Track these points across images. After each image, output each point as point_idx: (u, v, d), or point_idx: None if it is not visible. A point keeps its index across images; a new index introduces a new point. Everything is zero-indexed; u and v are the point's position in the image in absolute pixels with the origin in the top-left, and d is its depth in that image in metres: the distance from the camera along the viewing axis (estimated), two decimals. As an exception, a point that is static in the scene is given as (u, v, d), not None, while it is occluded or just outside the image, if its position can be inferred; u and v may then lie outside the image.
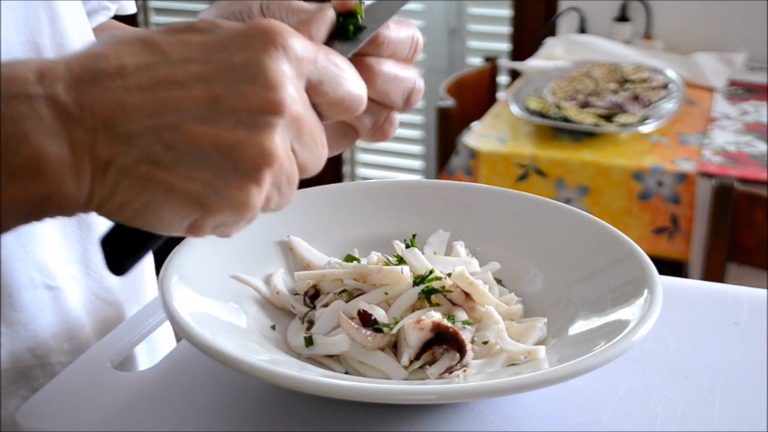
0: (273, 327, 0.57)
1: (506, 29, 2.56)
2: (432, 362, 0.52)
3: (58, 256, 0.58)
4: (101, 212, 0.39)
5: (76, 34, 0.58)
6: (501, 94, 2.27)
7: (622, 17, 2.32)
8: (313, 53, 0.40)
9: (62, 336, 0.58)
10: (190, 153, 0.37)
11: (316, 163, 0.42)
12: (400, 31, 0.49)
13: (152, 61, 0.38)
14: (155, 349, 0.68)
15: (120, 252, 0.41)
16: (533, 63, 2.17)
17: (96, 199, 0.38)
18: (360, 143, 2.91)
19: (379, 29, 0.47)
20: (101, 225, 0.61)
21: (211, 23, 0.40)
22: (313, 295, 0.59)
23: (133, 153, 0.37)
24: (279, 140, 0.38)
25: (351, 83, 0.43)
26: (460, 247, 0.63)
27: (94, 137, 0.37)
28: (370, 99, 0.46)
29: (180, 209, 0.39)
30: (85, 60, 0.38)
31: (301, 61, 0.39)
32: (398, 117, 0.50)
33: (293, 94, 0.39)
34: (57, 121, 0.36)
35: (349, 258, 0.61)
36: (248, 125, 0.38)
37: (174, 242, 0.58)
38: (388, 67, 0.48)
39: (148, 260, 0.69)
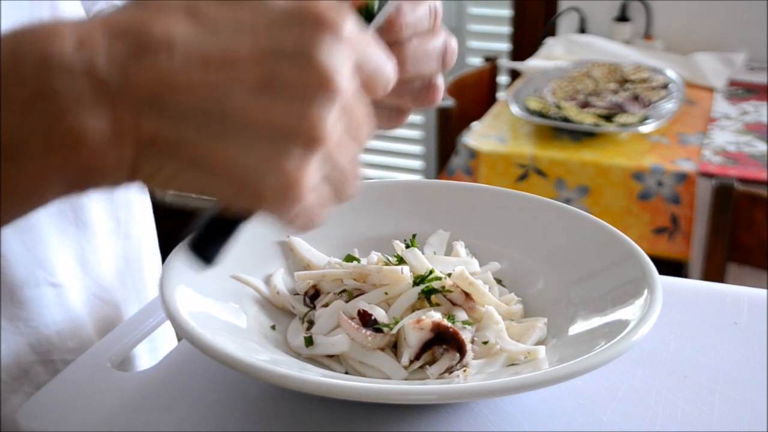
0: (273, 327, 0.57)
1: (506, 29, 2.56)
2: (432, 362, 0.52)
3: (58, 254, 0.58)
4: (148, 185, 0.38)
5: None
6: (501, 94, 2.27)
7: (622, 17, 2.32)
8: (357, 34, 0.39)
9: (65, 333, 0.58)
10: (239, 133, 0.36)
11: (359, 147, 0.41)
12: (416, 9, 0.48)
13: (201, 35, 0.36)
14: (156, 348, 0.68)
15: (208, 243, 0.41)
16: (533, 63, 2.17)
17: (141, 174, 0.37)
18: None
19: (395, 14, 0.47)
20: (96, 224, 0.61)
21: None
22: (313, 295, 0.59)
23: (179, 131, 0.35)
24: (331, 123, 0.37)
25: (382, 61, 0.41)
26: (460, 247, 0.63)
27: (137, 114, 0.35)
28: (406, 79, 0.46)
29: (225, 186, 0.37)
30: (126, 27, 0.35)
31: (350, 44, 0.38)
32: (441, 77, 0.50)
33: (347, 81, 0.37)
34: (96, 96, 0.34)
35: (349, 258, 0.61)
36: (301, 106, 0.36)
37: (174, 242, 0.58)
38: (413, 48, 0.47)
39: (151, 262, 0.69)
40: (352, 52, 0.38)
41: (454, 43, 0.49)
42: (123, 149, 0.35)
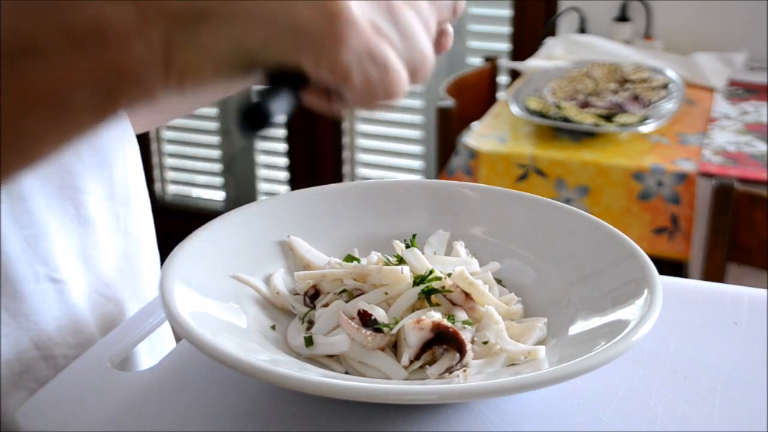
0: (273, 327, 0.57)
1: (506, 29, 2.56)
2: (432, 362, 0.52)
3: (60, 250, 0.58)
4: (186, 81, 0.35)
5: None
6: (501, 94, 2.27)
7: (622, 17, 2.32)
8: None
9: (67, 329, 0.58)
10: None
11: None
12: None
13: None
14: (155, 347, 0.68)
15: (262, 113, 0.37)
16: (533, 63, 2.17)
17: (176, 64, 0.34)
18: (360, 143, 2.89)
19: None
20: (97, 221, 0.61)
21: None
22: (313, 295, 0.59)
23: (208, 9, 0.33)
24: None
25: None
26: (460, 247, 0.63)
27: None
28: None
29: (271, 37, 0.35)
30: None
31: None
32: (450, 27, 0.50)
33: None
34: None
35: (349, 258, 0.61)
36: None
37: (174, 242, 0.58)
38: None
39: (149, 259, 0.69)
40: None
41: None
42: (151, 35, 0.33)
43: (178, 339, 0.71)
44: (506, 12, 2.55)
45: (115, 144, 0.63)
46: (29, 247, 0.55)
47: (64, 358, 0.58)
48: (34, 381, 0.56)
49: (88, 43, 0.32)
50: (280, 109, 0.38)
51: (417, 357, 0.51)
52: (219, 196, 3.04)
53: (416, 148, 2.78)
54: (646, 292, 0.53)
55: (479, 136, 1.80)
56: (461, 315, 0.55)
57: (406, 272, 0.56)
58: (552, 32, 2.43)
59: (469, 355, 0.52)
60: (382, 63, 0.37)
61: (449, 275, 0.56)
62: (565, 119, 1.73)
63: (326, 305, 0.57)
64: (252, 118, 0.37)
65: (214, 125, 2.94)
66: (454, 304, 0.55)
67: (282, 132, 2.83)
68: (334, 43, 0.35)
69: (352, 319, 0.54)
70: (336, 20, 0.34)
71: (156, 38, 0.33)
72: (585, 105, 1.81)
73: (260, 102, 0.37)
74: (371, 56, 0.37)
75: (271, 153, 2.91)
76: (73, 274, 0.59)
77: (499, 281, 0.62)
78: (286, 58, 0.36)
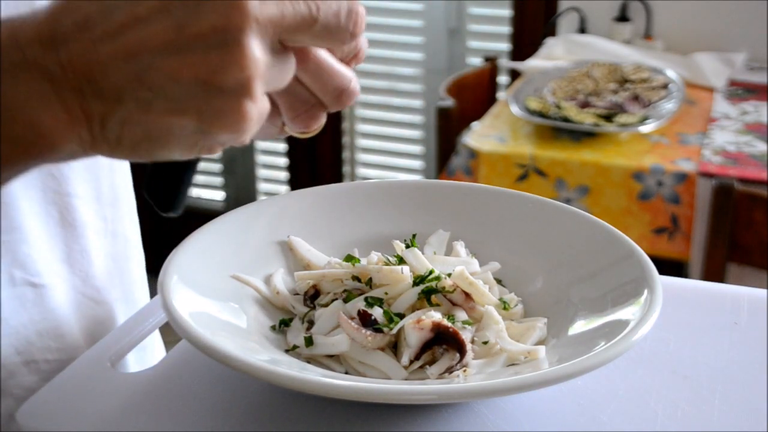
0: (273, 327, 0.57)
1: (506, 29, 2.56)
2: (432, 362, 0.52)
3: (43, 254, 0.57)
4: (112, 156, 0.40)
5: None
6: (501, 94, 2.27)
7: (622, 17, 2.32)
8: None
9: (48, 334, 0.58)
10: (174, 87, 0.37)
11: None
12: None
13: (112, 4, 0.38)
14: (145, 348, 0.68)
15: (164, 191, 0.42)
16: (533, 63, 2.17)
17: (102, 147, 0.39)
18: (360, 143, 2.89)
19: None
20: (84, 224, 0.61)
21: None
22: (313, 295, 0.59)
23: (124, 102, 0.37)
24: (255, 48, 0.38)
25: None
26: (460, 247, 0.63)
27: (82, 95, 0.37)
28: (299, 82, 0.45)
29: (184, 140, 0.39)
30: (51, 17, 0.38)
31: None
32: (324, 116, 0.48)
33: (257, 6, 0.38)
34: (46, 84, 0.37)
35: (349, 258, 0.61)
36: (219, 45, 0.37)
37: (173, 242, 0.58)
38: (323, 54, 0.46)
39: (137, 260, 0.69)
40: None
41: (357, 87, 0.47)
42: (80, 129, 0.38)
43: (167, 341, 0.71)
44: (506, 12, 2.55)
45: None
46: (7, 253, 0.55)
47: (46, 363, 0.57)
48: (19, 387, 0.56)
49: (28, 143, 0.38)
50: (182, 185, 0.42)
51: (417, 357, 0.51)
52: (219, 196, 3.04)
53: (416, 148, 2.78)
54: (646, 292, 0.53)
55: (479, 136, 1.80)
56: (461, 315, 0.55)
57: (406, 272, 0.56)
58: (552, 32, 2.43)
59: (469, 355, 0.52)
60: (254, 126, 0.40)
61: (449, 275, 0.56)
62: (565, 119, 1.73)
63: (326, 305, 0.57)
64: (157, 197, 0.42)
65: (214, 125, 2.94)
66: (454, 304, 0.55)
67: (282, 132, 2.83)
68: (244, 138, 0.40)
69: (352, 319, 0.54)
70: (243, 124, 0.39)
71: (83, 131, 0.38)
72: (585, 105, 1.81)
73: (160, 181, 0.42)
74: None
75: (271, 153, 2.91)
76: (55, 278, 0.58)
77: (499, 281, 0.62)
78: (202, 153, 0.41)
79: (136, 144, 0.39)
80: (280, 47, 0.40)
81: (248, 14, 0.37)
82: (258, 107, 0.39)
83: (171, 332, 0.53)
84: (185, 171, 0.42)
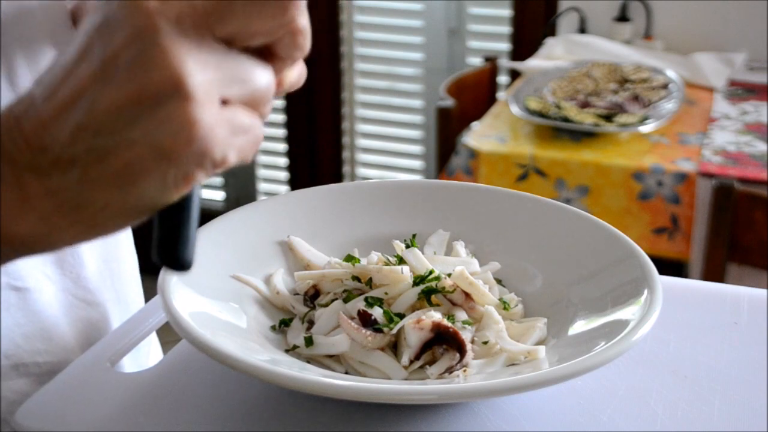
0: (273, 327, 0.57)
1: (506, 29, 2.56)
2: (432, 362, 0.52)
3: (29, 258, 0.57)
4: (92, 233, 0.39)
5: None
6: (501, 94, 2.27)
7: (622, 17, 2.32)
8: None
9: (35, 337, 0.57)
10: (118, 121, 0.36)
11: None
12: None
13: (50, 68, 0.37)
14: (139, 348, 0.67)
15: (173, 248, 0.39)
16: (533, 63, 2.17)
17: (70, 217, 0.38)
18: (360, 143, 2.89)
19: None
20: None
21: (99, 5, 0.37)
22: (313, 295, 0.59)
23: (78, 160, 0.36)
24: (174, 46, 0.35)
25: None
26: (460, 247, 0.63)
27: (39, 169, 0.36)
28: None
29: (152, 178, 0.37)
30: (22, 107, 0.37)
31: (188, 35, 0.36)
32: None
33: (199, 77, 0.36)
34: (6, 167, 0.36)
35: (349, 258, 0.61)
36: (138, 56, 0.35)
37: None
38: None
39: (129, 261, 0.69)
40: (195, 42, 0.36)
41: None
42: (40, 208, 0.37)
43: (166, 341, 0.71)
44: (506, 12, 2.55)
45: None
46: None
47: (37, 366, 0.57)
48: (9, 390, 0.56)
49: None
50: (185, 238, 0.39)
51: (417, 357, 0.51)
52: (219, 196, 3.04)
53: (416, 148, 2.78)
54: (646, 292, 0.53)
55: (479, 136, 1.80)
56: (461, 315, 0.55)
57: (406, 272, 0.56)
58: (552, 32, 2.43)
59: (469, 355, 0.52)
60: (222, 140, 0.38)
61: (449, 275, 0.56)
62: (565, 119, 1.73)
63: (326, 305, 0.57)
64: (168, 259, 0.39)
65: (214, 125, 2.94)
66: (454, 304, 0.55)
67: (282, 132, 2.83)
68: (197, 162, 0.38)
69: (352, 319, 0.54)
70: (190, 182, 0.38)
71: (47, 214, 0.37)
72: (585, 105, 1.81)
73: (164, 241, 0.39)
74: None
75: (271, 153, 2.91)
76: (44, 280, 0.58)
77: (499, 281, 0.62)
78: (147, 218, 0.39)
79: (107, 204, 0.37)
80: (221, 43, 0.37)
81: (151, 14, 0.35)
82: (209, 110, 0.36)
83: (170, 332, 0.53)
84: (180, 215, 0.40)
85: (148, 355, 0.69)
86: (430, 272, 0.56)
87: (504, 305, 0.58)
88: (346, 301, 0.56)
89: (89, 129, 0.36)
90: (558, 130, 1.75)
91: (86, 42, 0.36)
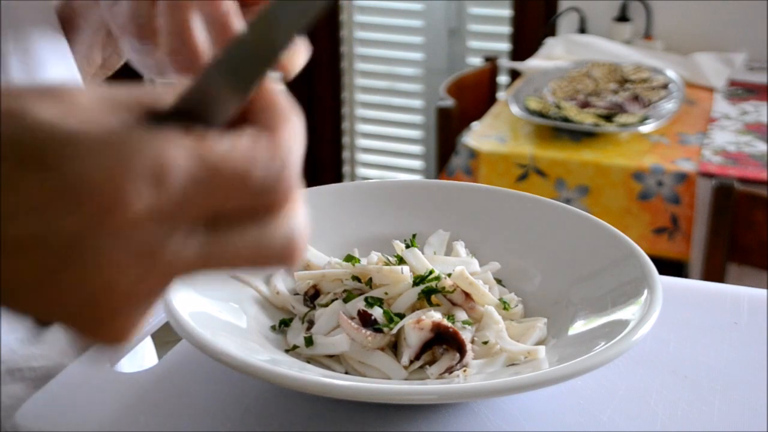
0: (273, 327, 0.57)
1: (506, 29, 2.56)
2: (432, 362, 0.52)
3: None
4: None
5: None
6: (501, 94, 2.27)
7: (622, 17, 2.32)
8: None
9: (29, 342, 0.57)
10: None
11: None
12: None
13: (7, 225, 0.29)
14: (135, 349, 0.67)
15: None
16: (533, 63, 2.17)
17: None
18: (360, 143, 2.88)
19: None
20: None
21: (58, 157, 0.27)
22: (313, 295, 0.59)
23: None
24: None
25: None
26: (460, 247, 0.63)
27: None
28: None
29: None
30: None
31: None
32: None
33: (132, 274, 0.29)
34: None
35: (349, 258, 0.61)
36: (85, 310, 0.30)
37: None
38: None
39: None
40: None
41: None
42: None
43: (166, 341, 0.71)
44: (506, 12, 2.55)
45: None
46: None
47: (32, 371, 0.57)
48: (4, 395, 0.55)
49: None
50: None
51: (417, 357, 0.51)
52: (219, 196, 3.04)
53: (416, 148, 2.78)
54: (646, 292, 0.53)
55: (479, 136, 1.80)
56: (461, 315, 0.55)
57: (406, 272, 0.56)
58: (552, 32, 2.43)
59: (469, 355, 0.52)
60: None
61: (449, 275, 0.56)
62: (565, 119, 1.73)
63: (326, 305, 0.57)
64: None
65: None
66: (454, 304, 0.55)
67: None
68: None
69: (352, 319, 0.54)
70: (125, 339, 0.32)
71: None
72: (585, 105, 1.81)
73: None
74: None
75: (271, 153, 2.91)
76: None
77: (499, 281, 0.62)
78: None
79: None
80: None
81: (116, 204, 0.27)
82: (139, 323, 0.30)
83: (170, 332, 0.53)
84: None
85: (143, 355, 0.69)
86: (430, 272, 0.56)
87: (504, 305, 0.58)
88: (346, 301, 0.56)
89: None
90: (558, 130, 1.75)
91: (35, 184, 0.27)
